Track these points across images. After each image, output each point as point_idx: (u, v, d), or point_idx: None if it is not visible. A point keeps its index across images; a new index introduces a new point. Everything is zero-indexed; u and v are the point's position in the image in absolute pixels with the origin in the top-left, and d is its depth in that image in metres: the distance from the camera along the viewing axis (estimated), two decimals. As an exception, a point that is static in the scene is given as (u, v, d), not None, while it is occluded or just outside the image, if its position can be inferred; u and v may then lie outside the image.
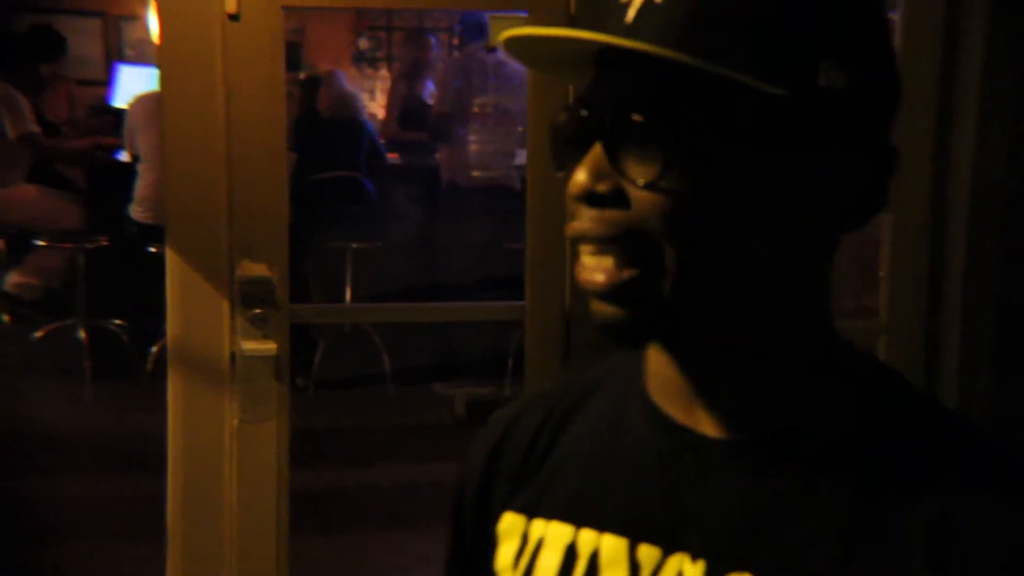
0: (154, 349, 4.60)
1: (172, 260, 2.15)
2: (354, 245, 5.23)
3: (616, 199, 0.68)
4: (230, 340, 2.16)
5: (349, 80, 5.99)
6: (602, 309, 0.70)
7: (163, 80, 2.14)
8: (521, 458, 0.83)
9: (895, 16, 2.27)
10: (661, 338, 0.72)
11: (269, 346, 2.16)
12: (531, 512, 0.80)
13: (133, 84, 6.02)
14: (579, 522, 0.77)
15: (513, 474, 0.83)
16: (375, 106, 7.43)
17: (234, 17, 2.06)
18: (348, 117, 5.45)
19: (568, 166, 0.72)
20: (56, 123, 5.78)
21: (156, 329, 4.40)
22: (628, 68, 0.68)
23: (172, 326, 2.17)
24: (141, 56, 6.77)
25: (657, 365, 0.76)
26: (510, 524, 0.81)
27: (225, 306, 2.15)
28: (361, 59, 8.28)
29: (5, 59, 5.18)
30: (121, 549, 3.36)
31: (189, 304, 2.15)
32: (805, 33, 0.67)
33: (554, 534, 0.78)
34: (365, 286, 5.39)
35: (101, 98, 6.53)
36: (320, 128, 5.38)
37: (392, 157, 5.94)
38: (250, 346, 2.15)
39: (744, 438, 0.72)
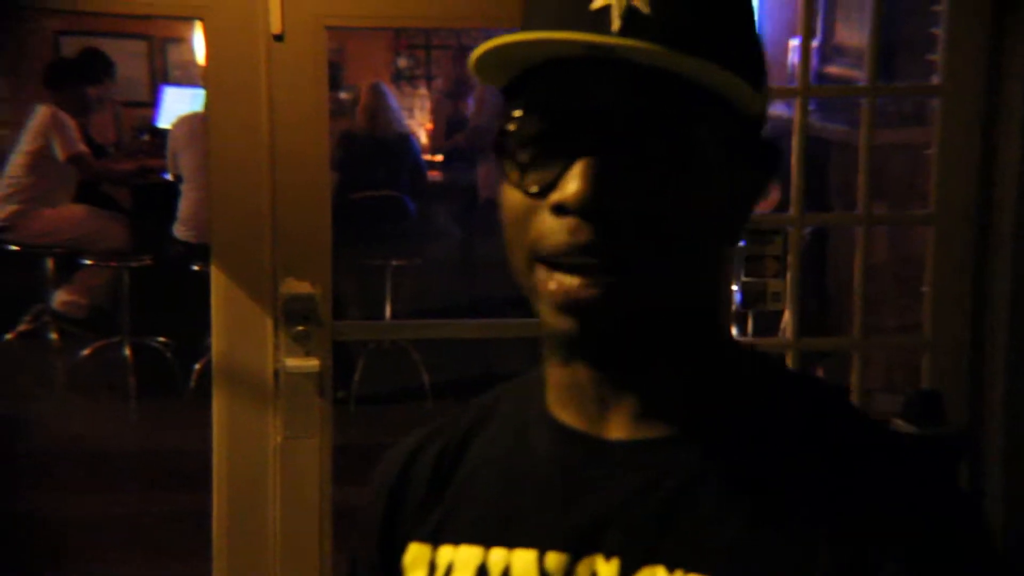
0: (197, 366, 4.64)
1: (217, 278, 2.17)
2: (394, 262, 5.26)
3: (621, 211, 0.67)
4: (274, 357, 2.18)
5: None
6: (573, 323, 0.69)
7: (209, 100, 2.17)
8: (425, 489, 0.82)
9: (938, 31, 2.25)
10: (622, 345, 0.73)
11: (312, 363, 2.18)
12: (437, 540, 0.80)
13: (178, 105, 6.10)
14: (488, 542, 0.77)
15: (417, 506, 0.82)
16: (414, 124, 7.49)
17: (278, 37, 2.09)
18: (393, 134, 5.47)
19: (529, 175, 0.69)
20: (102, 144, 5.88)
21: (199, 346, 4.45)
22: (613, 76, 0.67)
23: (217, 343, 2.20)
24: (187, 77, 6.87)
25: (562, 378, 0.77)
26: (416, 555, 0.80)
27: (269, 323, 2.17)
28: (400, 77, 8.34)
29: (55, 81, 5.28)
30: (167, 565, 3.39)
31: (233, 321, 2.18)
32: (759, 58, 0.74)
33: (464, 558, 0.77)
34: (405, 303, 5.41)
35: (146, 119, 6.63)
36: (363, 146, 5.41)
37: (433, 175, 5.99)
38: (293, 363, 2.17)
39: (649, 437, 0.74)
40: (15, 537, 3.50)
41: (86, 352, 4.95)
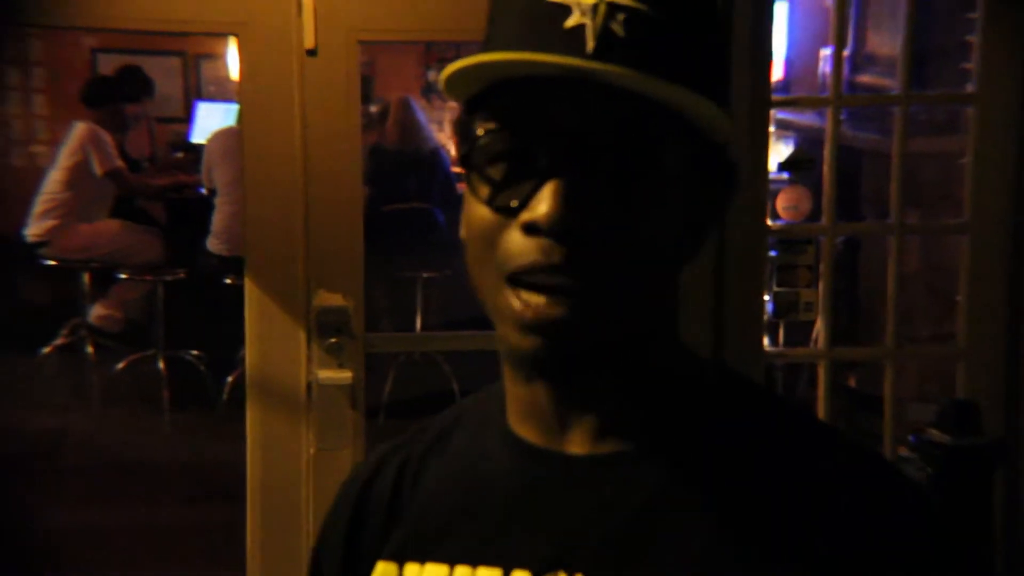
0: (230, 379, 4.68)
1: (251, 290, 2.20)
2: (424, 274, 5.28)
3: (591, 232, 0.67)
4: (307, 369, 2.20)
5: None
6: (538, 342, 0.69)
7: (243, 115, 2.20)
8: (387, 508, 0.82)
9: (972, 39, 2.24)
10: (586, 365, 0.72)
11: (345, 375, 2.19)
12: (402, 558, 0.79)
13: (212, 121, 6.17)
14: (453, 561, 0.76)
15: (381, 525, 0.82)
16: (444, 137, 7.52)
17: (312, 52, 2.11)
18: (422, 147, 5.49)
19: (500, 192, 0.69)
20: (137, 159, 5.95)
21: (232, 359, 4.49)
22: (585, 95, 0.67)
23: (250, 355, 2.22)
24: (221, 93, 6.94)
25: (521, 393, 0.76)
26: (382, 573, 0.79)
27: (302, 336, 2.19)
28: (430, 91, 8.38)
29: (93, 99, 5.35)
30: (200, 576, 3.42)
31: (267, 334, 2.20)
32: (726, 80, 0.75)
33: None
34: (435, 314, 5.43)
35: (180, 135, 6.70)
36: (393, 159, 5.44)
37: (462, 187, 6.01)
38: (326, 375, 2.19)
39: (611, 452, 0.74)
40: (49, 547, 3.54)
41: (121, 365, 5.00)
